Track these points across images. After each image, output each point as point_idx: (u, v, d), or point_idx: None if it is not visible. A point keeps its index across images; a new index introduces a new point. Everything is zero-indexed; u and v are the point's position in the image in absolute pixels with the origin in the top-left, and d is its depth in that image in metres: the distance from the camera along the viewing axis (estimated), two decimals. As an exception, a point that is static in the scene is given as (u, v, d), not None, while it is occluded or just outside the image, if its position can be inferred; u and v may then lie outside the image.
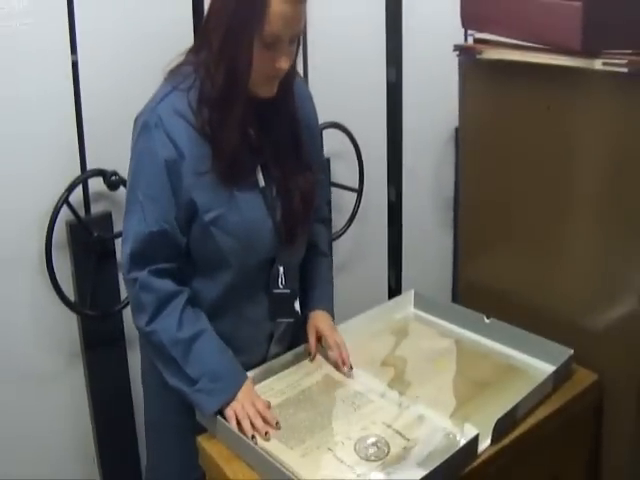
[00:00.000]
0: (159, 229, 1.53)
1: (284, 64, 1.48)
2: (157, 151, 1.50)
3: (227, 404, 1.54)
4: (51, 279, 1.98)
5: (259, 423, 1.52)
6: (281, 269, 1.66)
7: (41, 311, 2.05)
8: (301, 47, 2.34)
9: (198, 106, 1.52)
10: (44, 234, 1.97)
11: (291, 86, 1.59)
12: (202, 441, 1.58)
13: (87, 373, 2.16)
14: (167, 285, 1.56)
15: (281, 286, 1.67)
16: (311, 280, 1.83)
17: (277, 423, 1.55)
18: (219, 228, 1.56)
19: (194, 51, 1.56)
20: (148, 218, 1.53)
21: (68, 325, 2.11)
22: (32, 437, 2.09)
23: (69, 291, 2.05)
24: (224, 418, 1.54)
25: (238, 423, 1.52)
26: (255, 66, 1.46)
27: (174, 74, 1.56)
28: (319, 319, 1.79)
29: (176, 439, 1.74)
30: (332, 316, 1.84)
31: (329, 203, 1.94)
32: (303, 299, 1.79)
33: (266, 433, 1.51)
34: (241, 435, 1.51)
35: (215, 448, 1.55)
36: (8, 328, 2.00)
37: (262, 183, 1.61)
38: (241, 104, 1.49)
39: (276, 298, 1.68)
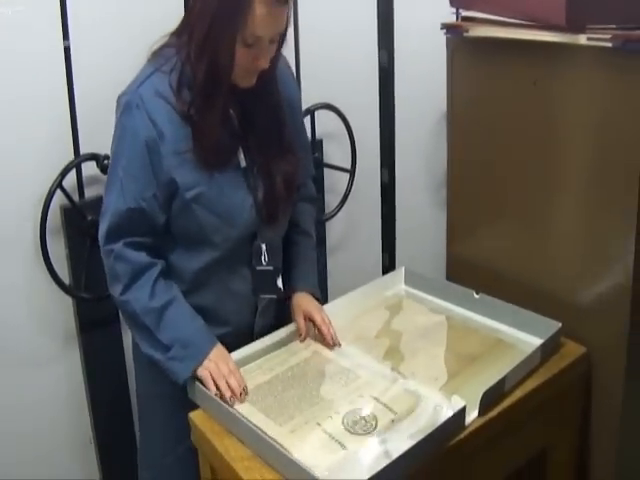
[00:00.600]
0: (137, 206, 1.58)
1: (263, 62, 1.53)
2: (138, 131, 1.55)
3: (199, 366, 1.58)
4: (46, 263, 2.00)
5: (234, 382, 1.58)
6: (263, 246, 1.70)
7: (36, 295, 2.07)
8: (292, 28, 2.39)
9: (178, 88, 1.55)
10: (38, 218, 1.98)
11: (273, 74, 1.63)
12: (194, 417, 1.60)
13: (83, 355, 2.18)
14: (141, 257, 1.61)
15: (264, 262, 1.70)
16: (293, 259, 1.85)
17: (245, 387, 1.59)
18: (200, 205, 1.60)
19: (177, 34, 1.59)
20: (127, 195, 1.57)
21: (63, 308, 2.13)
22: (28, 420, 2.11)
23: (64, 275, 2.07)
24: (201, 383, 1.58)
25: (215, 385, 1.57)
26: (236, 62, 1.50)
27: (157, 55, 1.60)
28: (303, 300, 1.81)
29: (166, 410, 1.77)
30: (317, 293, 1.85)
31: (314, 181, 1.95)
32: (286, 278, 1.81)
33: (240, 394, 1.57)
34: (233, 411, 1.53)
35: (207, 424, 1.57)
36: (3, 312, 2.02)
37: (243, 164, 1.65)
38: (222, 94, 1.54)
39: (259, 274, 1.71)
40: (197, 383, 1.60)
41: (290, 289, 1.82)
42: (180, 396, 1.65)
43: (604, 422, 1.84)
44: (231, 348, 1.70)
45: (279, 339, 1.80)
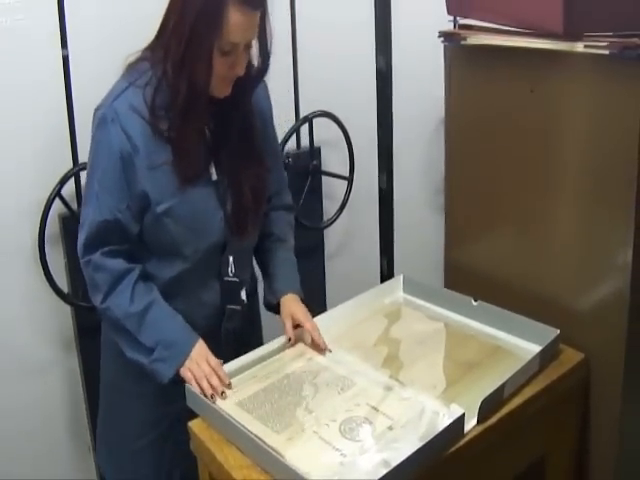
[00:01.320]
0: (112, 218, 1.60)
1: (240, 69, 1.56)
2: (113, 144, 1.57)
3: (181, 366, 1.61)
4: (44, 271, 2.01)
5: (215, 381, 1.60)
6: (231, 258, 1.73)
7: (35, 303, 2.07)
8: (290, 36, 2.40)
9: (152, 103, 1.57)
10: (37, 227, 1.99)
11: (245, 83, 1.64)
12: (193, 426, 1.60)
13: (81, 363, 2.18)
14: (119, 264, 1.64)
15: (231, 274, 1.75)
16: (272, 266, 1.88)
17: (229, 384, 1.63)
18: (171, 218, 1.63)
19: (151, 48, 1.62)
20: (102, 207, 1.60)
21: (62, 316, 2.13)
22: (27, 426, 2.11)
23: (62, 283, 2.07)
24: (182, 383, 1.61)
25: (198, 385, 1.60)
26: (214, 72, 1.53)
27: (131, 69, 1.63)
28: (291, 304, 1.82)
29: (134, 400, 1.79)
30: (301, 295, 1.86)
31: (287, 188, 1.97)
32: (269, 286, 1.86)
33: (222, 392, 1.60)
34: (231, 419, 1.53)
35: (206, 433, 1.57)
36: (3, 320, 2.03)
37: (214, 177, 1.68)
38: (201, 109, 1.57)
39: (226, 286, 1.75)
40: (195, 392, 1.61)
41: (274, 295, 1.84)
42: (148, 389, 1.70)
43: (603, 428, 1.84)
44: None
45: (275, 347, 1.80)
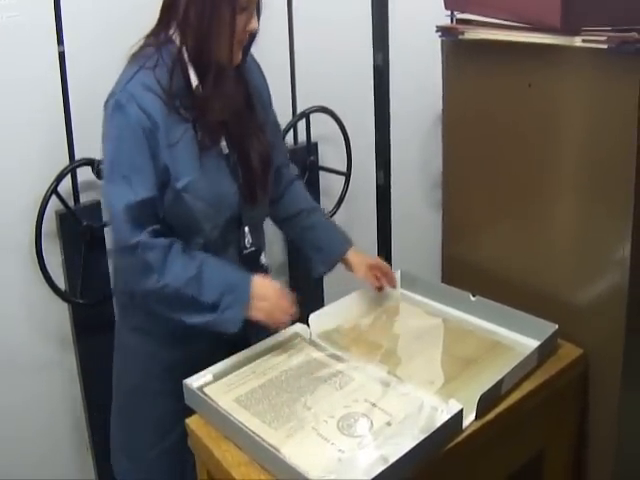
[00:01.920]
0: (148, 196, 1.60)
1: (255, 24, 1.60)
2: (134, 123, 1.57)
3: (248, 307, 1.64)
4: (41, 269, 2.00)
5: (278, 315, 1.67)
6: (247, 229, 1.76)
7: (32, 300, 2.06)
8: (287, 31, 2.39)
9: (171, 84, 1.60)
10: (34, 224, 1.97)
11: (246, 51, 1.69)
12: (191, 423, 1.60)
13: (79, 361, 2.17)
14: (163, 240, 1.63)
15: (248, 245, 1.77)
16: (320, 236, 1.93)
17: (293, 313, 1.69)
18: (190, 194, 1.63)
19: (154, 34, 1.65)
20: (136, 188, 1.59)
21: (59, 314, 2.12)
22: (24, 425, 2.11)
23: (59, 280, 2.06)
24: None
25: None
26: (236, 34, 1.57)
27: (136, 57, 1.65)
28: (359, 257, 1.93)
29: (158, 399, 1.78)
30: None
31: (311, 183, 2.09)
32: (322, 256, 1.93)
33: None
34: (229, 416, 1.53)
35: (203, 430, 1.57)
36: (-1, 318, 2.02)
37: (226, 150, 1.70)
38: (228, 75, 1.61)
39: (245, 258, 1.77)
40: (193, 389, 1.61)
41: (334, 257, 1.92)
42: (169, 389, 1.71)
43: (601, 423, 1.84)
44: (225, 339, 1.72)
45: (272, 343, 1.80)
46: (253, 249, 1.78)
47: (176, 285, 1.61)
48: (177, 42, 1.60)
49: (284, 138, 2.45)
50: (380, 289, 1.96)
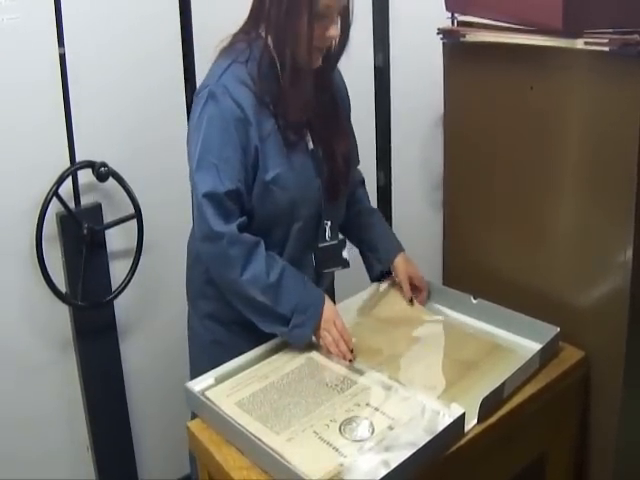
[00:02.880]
0: (234, 187, 1.65)
1: (334, 32, 1.64)
2: (226, 115, 1.63)
3: (317, 328, 1.73)
4: (42, 271, 1.99)
5: (343, 347, 1.72)
6: (329, 223, 1.82)
7: (32, 303, 2.06)
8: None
9: (259, 76, 1.66)
10: (34, 226, 1.97)
11: (334, 58, 1.75)
12: (192, 427, 1.60)
13: (79, 363, 2.17)
14: (250, 237, 1.68)
15: (328, 239, 1.83)
16: (374, 239, 2.00)
17: (352, 350, 1.73)
18: (278, 186, 1.70)
19: (244, 31, 1.71)
20: (224, 178, 1.64)
21: (60, 316, 2.12)
22: (25, 428, 2.10)
23: (60, 282, 2.06)
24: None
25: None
26: (314, 39, 1.62)
27: (227, 51, 1.71)
28: (405, 264, 1.97)
29: None
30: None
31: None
32: (375, 256, 2.00)
33: (350, 359, 1.71)
34: (230, 419, 1.52)
35: (205, 433, 1.57)
36: (0, 320, 2.01)
37: (311, 146, 1.77)
38: (307, 79, 1.65)
39: (322, 251, 1.83)
40: (194, 393, 1.61)
41: (383, 262, 1.98)
42: None
43: (603, 426, 1.84)
44: None
45: (273, 346, 1.80)
46: (335, 242, 1.83)
47: (254, 287, 1.68)
48: (265, 40, 1.66)
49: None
50: (410, 301, 1.96)
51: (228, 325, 1.83)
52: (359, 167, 2.01)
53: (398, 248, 1.99)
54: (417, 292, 1.97)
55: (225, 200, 1.64)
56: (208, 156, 1.64)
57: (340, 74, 1.88)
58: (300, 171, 1.73)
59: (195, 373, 1.86)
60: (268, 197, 1.70)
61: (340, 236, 1.87)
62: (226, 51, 1.70)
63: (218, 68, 1.68)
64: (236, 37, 1.71)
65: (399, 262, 1.96)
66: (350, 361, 1.71)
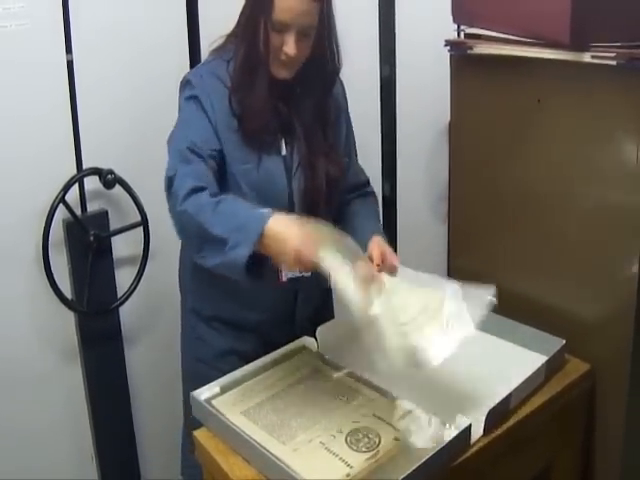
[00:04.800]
0: (205, 155, 1.65)
1: (290, 50, 1.62)
2: (199, 100, 1.69)
3: (258, 246, 1.48)
4: (48, 277, 2.00)
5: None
6: None
7: (38, 309, 2.06)
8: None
9: (235, 79, 1.70)
10: (41, 233, 1.98)
11: (320, 76, 1.74)
12: (198, 435, 1.60)
13: (84, 370, 2.17)
14: (201, 182, 1.61)
15: None
16: (353, 222, 1.85)
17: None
18: (243, 181, 1.70)
19: (235, 34, 1.74)
20: (197, 141, 1.66)
21: (65, 323, 2.12)
22: (29, 435, 2.10)
23: (66, 289, 2.06)
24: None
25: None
26: (270, 49, 1.64)
27: (217, 50, 1.78)
28: (381, 241, 1.76)
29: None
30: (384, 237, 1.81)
31: (368, 183, 2.00)
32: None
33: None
34: (236, 429, 1.52)
35: (211, 442, 1.57)
36: (5, 326, 2.01)
37: (284, 151, 1.75)
38: (263, 77, 1.67)
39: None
40: (201, 402, 1.61)
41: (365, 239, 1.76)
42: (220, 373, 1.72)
43: (608, 437, 1.84)
44: (272, 335, 1.83)
45: (280, 356, 1.80)
46: None
47: (192, 211, 1.55)
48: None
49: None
50: (377, 266, 1.70)
51: (208, 321, 1.85)
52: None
53: (375, 232, 1.80)
54: (386, 262, 1.73)
55: (190, 155, 1.64)
56: (181, 129, 1.70)
57: (340, 81, 1.86)
58: (270, 171, 1.72)
59: (183, 367, 1.93)
60: (236, 189, 1.69)
61: None
62: (216, 51, 1.78)
63: (203, 62, 1.81)
64: (227, 39, 1.76)
65: (374, 239, 1.76)
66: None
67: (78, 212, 2.06)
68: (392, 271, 1.72)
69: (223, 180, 1.70)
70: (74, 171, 2.04)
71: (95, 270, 2.09)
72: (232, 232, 1.50)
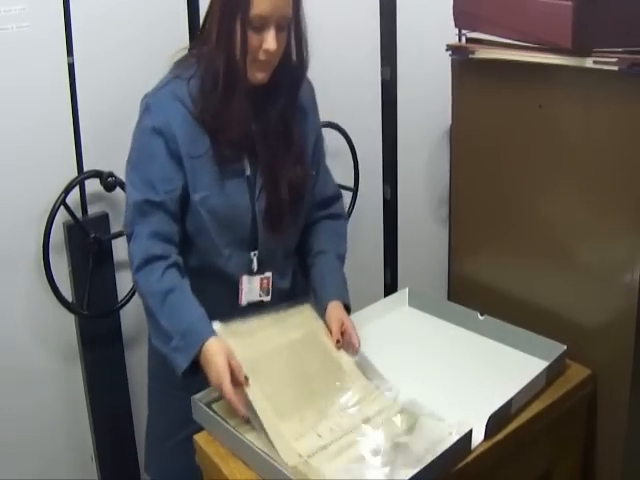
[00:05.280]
0: (158, 200, 1.62)
1: (271, 45, 1.55)
2: (157, 130, 1.62)
3: (198, 357, 1.54)
4: (48, 280, 2.00)
5: (227, 387, 1.50)
6: (253, 253, 1.72)
7: (39, 312, 2.06)
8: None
9: (199, 95, 1.62)
10: (41, 235, 1.98)
11: (286, 77, 1.66)
12: (199, 439, 1.59)
13: (85, 373, 2.17)
14: (157, 248, 1.62)
15: (254, 270, 1.73)
16: (314, 281, 1.83)
17: (246, 378, 1.54)
18: (205, 209, 1.65)
19: (198, 44, 1.68)
20: (148, 188, 1.62)
21: (66, 325, 2.12)
22: (30, 437, 2.10)
23: (66, 292, 2.06)
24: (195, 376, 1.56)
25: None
26: (249, 51, 1.56)
27: (178, 65, 1.69)
28: (339, 311, 1.76)
29: (171, 397, 1.78)
30: (345, 299, 1.81)
31: (336, 198, 1.94)
32: (315, 300, 1.81)
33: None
34: (237, 433, 1.52)
35: (211, 446, 1.56)
36: (6, 329, 2.01)
37: (248, 172, 1.69)
38: (242, 90, 1.60)
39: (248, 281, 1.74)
40: (201, 406, 1.60)
41: (324, 303, 1.78)
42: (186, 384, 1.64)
43: (609, 444, 1.84)
44: None
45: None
46: (262, 275, 1.74)
47: (144, 290, 1.62)
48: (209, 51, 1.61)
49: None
50: (337, 343, 1.73)
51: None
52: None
53: (333, 296, 1.78)
54: (348, 342, 1.75)
55: (143, 208, 1.63)
56: (139, 165, 1.66)
57: (308, 82, 1.78)
58: (231, 196, 1.67)
59: (148, 371, 1.88)
60: (197, 217, 1.66)
61: (282, 269, 1.79)
62: (177, 65, 1.69)
63: (162, 81, 1.68)
64: (190, 50, 1.69)
65: (329, 308, 1.76)
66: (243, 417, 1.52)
67: (79, 215, 2.06)
68: (352, 352, 1.74)
69: (186, 206, 1.66)
70: (75, 174, 2.04)
71: (96, 273, 2.09)
72: (176, 333, 1.57)
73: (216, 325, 1.60)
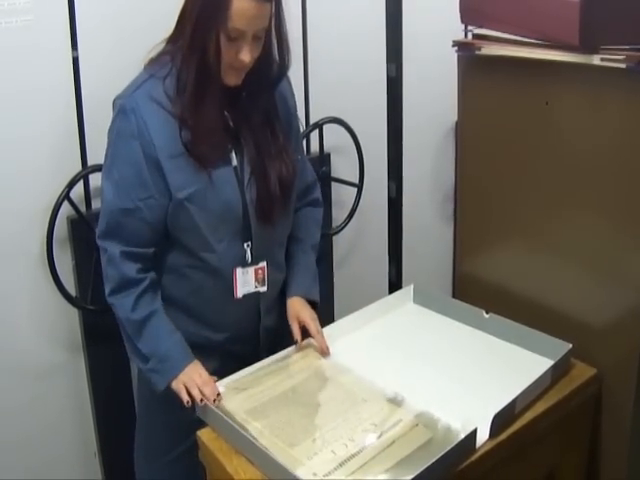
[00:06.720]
0: (133, 206, 1.63)
1: (246, 57, 1.56)
2: (133, 132, 1.61)
3: (173, 380, 1.64)
4: (52, 274, 2.00)
5: (208, 391, 1.60)
6: (246, 244, 1.72)
7: (42, 306, 2.06)
8: (301, 42, 2.39)
9: (174, 93, 1.61)
10: (45, 229, 1.98)
11: (266, 78, 1.68)
12: (202, 436, 1.59)
13: (88, 367, 2.17)
14: (131, 271, 1.66)
15: (248, 261, 1.74)
16: (288, 270, 1.87)
17: (218, 394, 1.61)
18: (194, 204, 1.64)
19: (171, 41, 1.65)
20: (122, 195, 1.63)
21: (69, 319, 2.12)
22: (33, 431, 2.10)
23: (70, 286, 2.06)
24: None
25: (188, 394, 1.61)
26: (222, 56, 1.56)
27: (153, 63, 1.67)
28: (296, 306, 1.82)
29: (164, 413, 1.79)
30: (313, 296, 1.87)
31: (314, 183, 1.98)
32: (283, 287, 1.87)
33: (214, 400, 1.60)
34: (241, 430, 1.51)
35: (215, 443, 1.56)
36: (10, 323, 2.01)
37: (234, 162, 1.69)
38: (214, 91, 1.60)
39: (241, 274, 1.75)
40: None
41: (286, 297, 1.85)
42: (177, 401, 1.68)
43: (614, 443, 1.83)
44: (238, 350, 1.80)
45: (285, 357, 1.80)
46: (256, 266, 1.75)
47: (120, 315, 1.68)
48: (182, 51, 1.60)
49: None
50: (300, 346, 1.81)
51: None
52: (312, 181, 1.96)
53: (296, 292, 1.85)
54: (313, 338, 1.82)
55: (119, 217, 1.64)
56: (113, 170, 1.65)
57: (290, 87, 1.82)
58: (220, 188, 1.66)
59: (141, 391, 1.91)
60: (184, 215, 1.65)
61: (276, 259, 1.81)
62: (151, 63, 1.67)
63: (136, 82, 1.65)
64: (164, 47, 1.67)
65: (291, 302, 1.83)
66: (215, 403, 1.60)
67: (83, 209, 2.06)
68: (323, 354, 1.80)
69: (173, 210, 1.65)
70: (79, 168, 2.04)
71: (99, 267, 2.06)
72: (153, 356, 1.66)
73: (221, 387, 1.65)
